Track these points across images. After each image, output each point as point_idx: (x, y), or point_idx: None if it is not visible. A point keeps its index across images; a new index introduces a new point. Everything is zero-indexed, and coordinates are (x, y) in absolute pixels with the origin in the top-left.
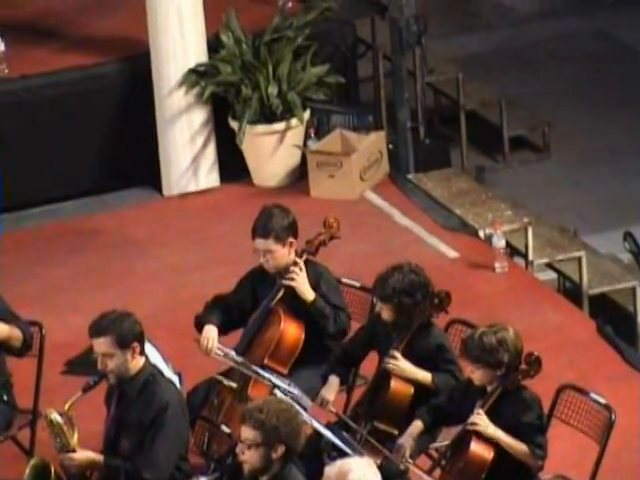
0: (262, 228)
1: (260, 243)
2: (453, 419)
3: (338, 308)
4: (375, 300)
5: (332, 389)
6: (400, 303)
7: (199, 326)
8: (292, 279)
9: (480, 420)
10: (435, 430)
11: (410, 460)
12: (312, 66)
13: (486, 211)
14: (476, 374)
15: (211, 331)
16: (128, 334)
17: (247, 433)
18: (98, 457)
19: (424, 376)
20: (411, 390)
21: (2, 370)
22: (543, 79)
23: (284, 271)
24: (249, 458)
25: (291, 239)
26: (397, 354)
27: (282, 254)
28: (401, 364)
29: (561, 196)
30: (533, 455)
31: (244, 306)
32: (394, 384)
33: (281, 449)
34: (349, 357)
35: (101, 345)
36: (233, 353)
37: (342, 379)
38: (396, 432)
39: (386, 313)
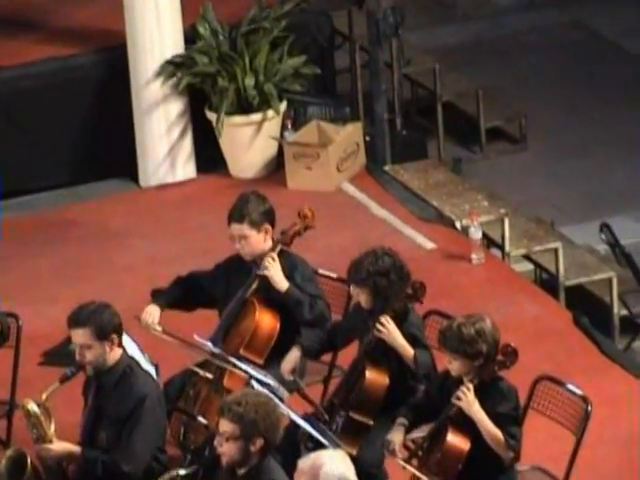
0: (237, 213)
1: (235, 228)
2: (432, 415)
3: (314, 297)
4: (351, 289)
5: (290, 360)
6: (375, 285)
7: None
8: (266, 268)
9: (466, 395)
10: (415, 428)
11: (399, 454)
12: (289, 57)
13: (463, 202)
14: (454, 365)
15: (153, 309)
16: (107, 325)
17: (225, 426)
18: (75, 448)
19: (407, 349)
20: (386, 381)
21: None
22: (520, 70)
23: (259, 259)
24: (227, 451)
25: (267, 225)
26: (387, 317)
27: (257, 240)
28: (390, 328)
29: (538, 187)
30: (506, 445)
31: (215, 291)
32: (369, 375)
33: (259, 442)
34: (327, 338)
35: (80, 336)
36: (210, 344)
37: (306, 350)
38: (371, 422)
39: (363, 298)
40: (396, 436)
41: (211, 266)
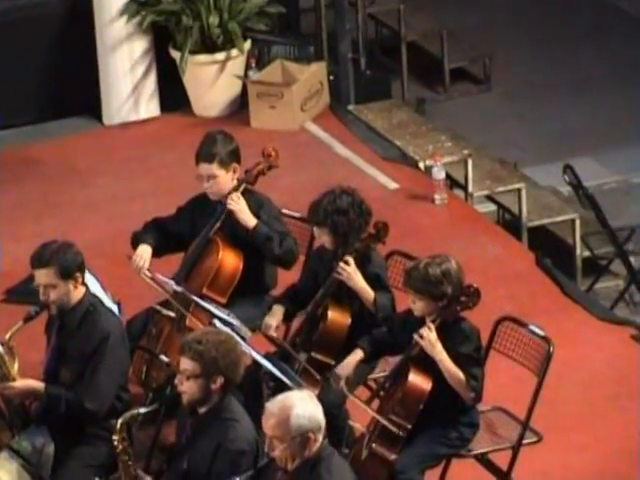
0: (206, 153)
1: (204, 168)
2: (393, 350)
3: (283, 234)
4: (314, 230)
5: (276, 316)
6: (334, 224)
7: (135, 243)
8: (231, 206)
9: (429, 333)
10: (374, 361)
11: (345, 387)
12: None
13: (426, 143)
14: (418, 305)
15: (145, 251)
16: (71, 265)
17: (186, 364)
18: (39, 385)
19: (368, 292)
20: (348, 320)
21: None
22: (485, 11)
23: (225, 198)
24: (188, 389)
25: (235, 165)
26: (350, 260)
27: (225, 180)
28: (351, 270)
29: (501, 128)
30: (468, 385)
31: (182, 233)
32: (331, 314)
33: (220, 380)
34: (297, 296)
35: (43, 276)
36: (172, 282)
37: (287, 312)
38: (333, 362)
39: (325, 239)
40: (344, 368)
41: (174, 204)
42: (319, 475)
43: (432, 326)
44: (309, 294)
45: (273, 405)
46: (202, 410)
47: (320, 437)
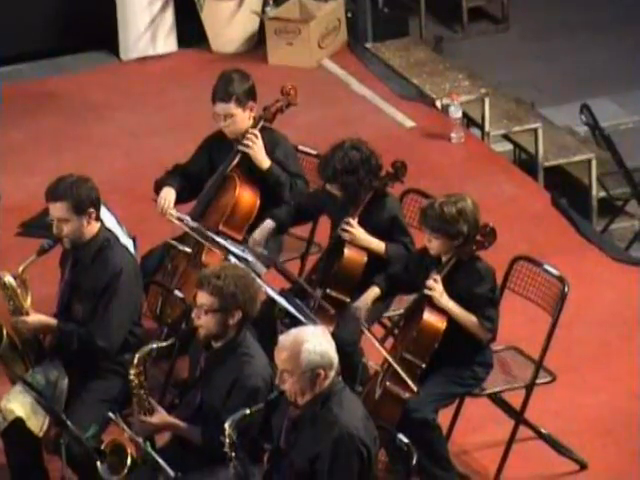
0: (223, 92)
1: (221, 107)
2: (408, 288)
3: (295, 175)
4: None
5: (264, 230)
6: (344, 183)
7: (158, 189)
8: (248, 146)
9: (436, 286)
10: (389, 299)
11: (364, 323)
12: None
13: (443, 81)
14: (433, 244)
15: (169, 193)
16: (85, 200)
17: (204, 299)
18: (51, 321)
19: (377, 245)
20: (364, 258)
21: None
22: None
23: (242, 137)
24: (205, 323)
25: (251, 103)
26: (352, 221)
27: (242, 118)
28: (355, 232)
29: (519, 68)
30: (483, 327)
31: (202, 173)
32: (347, 252)
33: (238, 315)
34: (299, 209)
35: (57, 210)
36: (188, 218)
37: (280, 227)
38: (348, 299)
39: (335, 192)
40: (363, 303)
41: (190, 140)
42: (330, 410)
43: (438, 278)
44: (310, 216)
45: (286, 338)
46: (217, 344)
47: (331, 374)
